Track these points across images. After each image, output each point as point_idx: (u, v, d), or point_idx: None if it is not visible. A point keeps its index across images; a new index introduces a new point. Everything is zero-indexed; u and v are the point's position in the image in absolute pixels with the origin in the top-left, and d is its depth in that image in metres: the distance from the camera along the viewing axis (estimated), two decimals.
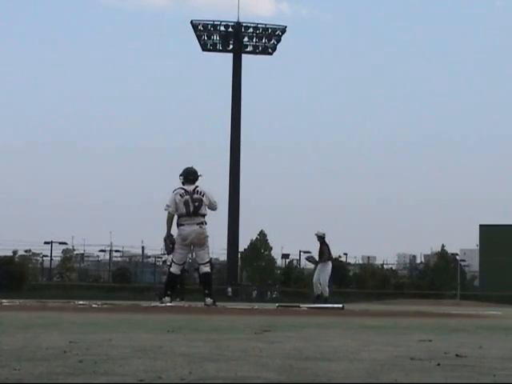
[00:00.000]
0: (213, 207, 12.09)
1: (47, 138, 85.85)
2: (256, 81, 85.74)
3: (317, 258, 18.01)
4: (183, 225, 11.81)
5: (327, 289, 17.58)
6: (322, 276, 17.56)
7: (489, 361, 3.74)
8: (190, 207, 11.75)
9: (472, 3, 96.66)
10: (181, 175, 12.18)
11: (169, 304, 11.83)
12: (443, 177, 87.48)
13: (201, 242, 11.94)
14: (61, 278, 51.14)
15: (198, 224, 11.82)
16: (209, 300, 11.80)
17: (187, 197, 11.79)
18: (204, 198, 11.87)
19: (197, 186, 11.96)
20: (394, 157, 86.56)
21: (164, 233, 12.16)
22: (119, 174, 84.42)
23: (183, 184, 12.08)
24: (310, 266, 54.75)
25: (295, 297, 40.76)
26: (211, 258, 12.49)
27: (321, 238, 17.76)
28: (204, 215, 11.91)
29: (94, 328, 6.08)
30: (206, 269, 11.97)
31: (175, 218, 12.00)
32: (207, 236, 12.01)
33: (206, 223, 11.99)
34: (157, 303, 12.42)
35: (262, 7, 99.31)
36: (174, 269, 12.11)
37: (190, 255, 13.32)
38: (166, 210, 11.96)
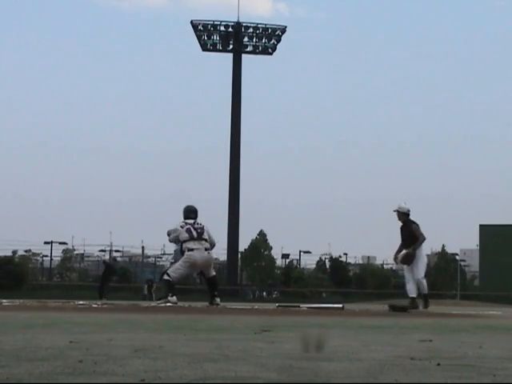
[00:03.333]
0: (211, 242, 12.42)
1: (47, 138, 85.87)
2: (256, 81, 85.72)
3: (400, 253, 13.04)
4: (192, 250, 12.02)
5: (425, 282, 12.90)
6: (419, 266, 12.88)
7: (489, 361, 3.74)
8: (193, 233, 12.12)
9: (471, 3, 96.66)
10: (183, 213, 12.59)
11: (171, 304, 11.81)
12: (443, 176, 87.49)
13: (209, 266, 12.38)
14: (61, 278, 51.16)
15: (206, 250, 12.14)
16: (218, 300, 12.21)
17: (188, 226, 12.17)
18: (204, 229, 12.28)
19: (196, 220, 12.37)
20: (394, 156, 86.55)
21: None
22: (119, 174, 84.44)
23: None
24: (311, 265, 54.87)
25: (295, 297, 40.79)
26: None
27: (405, 215, 13.01)
28: (207, 241, 12.22)
29: (94, 328, 6.08)
30: (213, 273, 12.54)
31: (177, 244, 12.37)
32: (213, 259, 12.77)
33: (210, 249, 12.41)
34: (156, 303, 12.43)
35: (260, 7, 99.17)
36: (169, 278, 12.25)
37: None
38: (168, 236, 12.37)
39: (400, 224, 13.12)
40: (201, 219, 12.44)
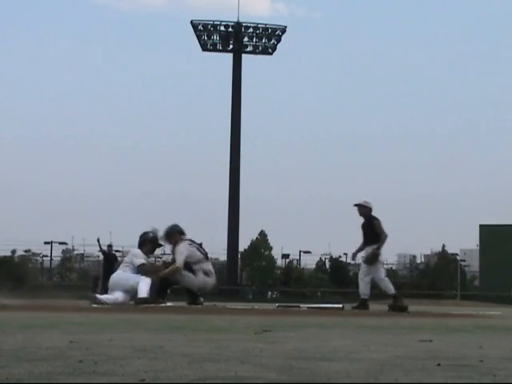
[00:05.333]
0: None
1: (47, 138, 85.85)
2: (256, 81, 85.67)
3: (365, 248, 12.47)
4: (208, 275, 11.67)
5: (388, 281, 12.67)
6: (379, 266, 12.49)
7: (489, 361, 3.73)
8: (203, 251, 11.84)
9: (471, 3, 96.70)
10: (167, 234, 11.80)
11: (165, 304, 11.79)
12: (443, 176, 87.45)
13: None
14: (61, 278, 51.16)
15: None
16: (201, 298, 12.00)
17: (196, 245, 11.79)
18: None
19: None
20: (394, 155, 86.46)
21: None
22: (119, 173, 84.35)
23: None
24: (311, 265, 54.95)
25: (295, 297, 40.77)
26: None
27: (369, 211, 12.49)
28: None
29: (94, 328, 6.08)
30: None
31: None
32: None
33: None
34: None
35: (259, 7, 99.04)
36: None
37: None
38: (179, 260, 11.44)
39: (360, 222, 12.57)
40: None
